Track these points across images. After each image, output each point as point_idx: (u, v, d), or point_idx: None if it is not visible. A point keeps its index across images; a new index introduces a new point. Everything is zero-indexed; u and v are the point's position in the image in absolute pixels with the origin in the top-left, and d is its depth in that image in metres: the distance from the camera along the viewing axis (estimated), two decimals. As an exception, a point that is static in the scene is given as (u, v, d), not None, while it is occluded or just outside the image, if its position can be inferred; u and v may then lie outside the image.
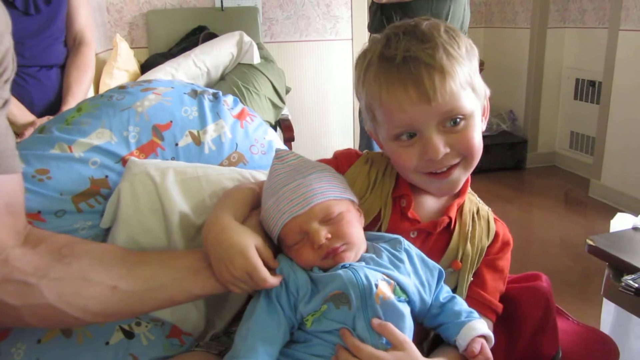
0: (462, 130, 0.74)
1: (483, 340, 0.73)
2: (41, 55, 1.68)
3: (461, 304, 0.77)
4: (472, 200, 0.87)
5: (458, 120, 0.74)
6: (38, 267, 0.69)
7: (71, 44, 1.80)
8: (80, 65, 1.78)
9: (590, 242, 1.29)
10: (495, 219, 0.87)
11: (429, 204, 0.85)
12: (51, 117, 1.00)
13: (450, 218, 0.82)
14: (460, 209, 0.84)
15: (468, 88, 0.74)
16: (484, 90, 0.79)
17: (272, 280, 0.71)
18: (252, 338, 0.69)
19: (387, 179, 0.85)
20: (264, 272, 0.71)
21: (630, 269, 1.14)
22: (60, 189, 0.86)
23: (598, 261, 2.26)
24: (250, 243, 0.72)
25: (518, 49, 3.85)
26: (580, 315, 1.88)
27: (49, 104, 1.71)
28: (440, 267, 0.78)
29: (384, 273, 0.72)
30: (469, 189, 0.87)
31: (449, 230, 0.83)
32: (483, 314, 0.80)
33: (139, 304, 0.74)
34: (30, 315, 0.69)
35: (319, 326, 0.70)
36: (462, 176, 0.79)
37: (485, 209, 0.87)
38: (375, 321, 0.69)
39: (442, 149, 0.73)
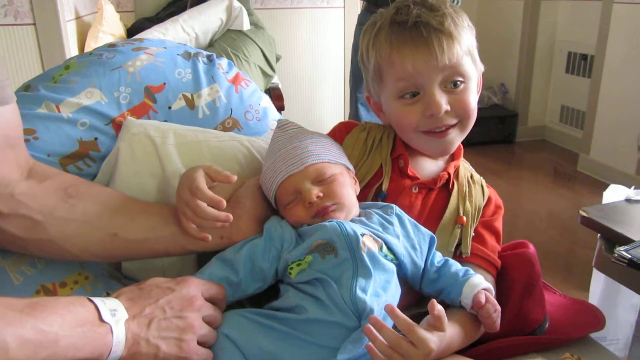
0: (461, 92, 0.82)
1: (486, 292, 0.74)
2: None
3: (456, 265, 0.79)
4: (465, 167, 0.92)
5: (459, 82, 0.81)
6: (44, 204, 0.71)
7: None
8: None
9: (583, 213, 1.29)
10: (487, 185, 0.93)
11: (426, 164, 0.89)
12: None
13: (449, 174, 0.87)
14: (457, 172, 0.89)
15: (469, 56, 0.82)
16: (480, 65, 0.86)
17: (207, 193, 0.70)
18: (242, 256, 0.73)
19: (384, 143, 0.89)
20: (202, 183, 0.71)
21: (623, 240, 1.14)
22: (47, 150, 0.83)
23: (585, 234, 2.29)
24: (200, 167, 0.75)
25: (511, 20, 3.81)
26: (565, 286, 1.91)
27: None
28: (432, 234, 0.80)
29: (371, 231, 0.74)
30: (462, 158, 0.92)
31: (447, 189, 0.87)
32: (485, 268, 0.84)
33: (136, 251, 0.77)
34: (35, 247, 0.73)
35: (303, 277, 0.71)
36: (457, 138, 0.86)
37: (477, 176, 0.93)
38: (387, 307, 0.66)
39: (444, 105, 0.80)
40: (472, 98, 0.83)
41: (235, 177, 0.73)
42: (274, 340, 0.67)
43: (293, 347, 0.66)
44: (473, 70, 0.83)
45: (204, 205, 0.71)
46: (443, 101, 0.80)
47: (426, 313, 0.71)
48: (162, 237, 0.76)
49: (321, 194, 0.75)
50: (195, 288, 0.67)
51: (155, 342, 0.60)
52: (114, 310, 0.58)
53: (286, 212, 0.78)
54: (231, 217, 0.72)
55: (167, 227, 0.76)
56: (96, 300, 0.58)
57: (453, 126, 0.83)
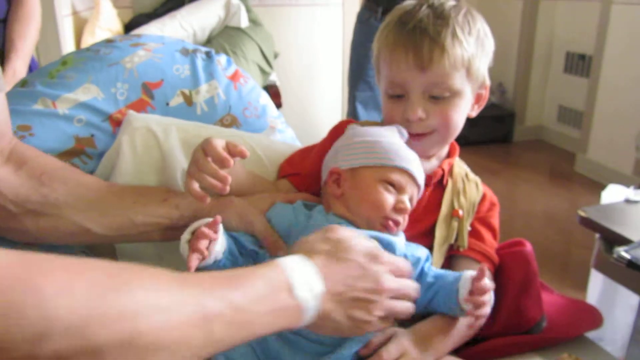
0: (444, 104, 0.81)
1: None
2: None
3: (452, 273, 0.76)
4: (461, 167, 0.92)
5: (442, 96, 0.80)
6: (17, 194, 0.71)
7: None
8: (23, 16, 1.51)
9: (582, 214, 1.29)
10: (482, 184, 0.93)
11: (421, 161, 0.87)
12: None
13: (443, 171, 0.87)
14: (451, 170, 0.89)
15: (462, 70, 0.80)
16: (483, 79, 0.85)
17: (218, 149, 0.69)
18: None
19: None
20: (217, 141, 0.70)
21: (622, 241, 1.14)
22: (43, 147, 0.82)
23: (581, 234, 2.29)
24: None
25: (510, 20, 3.81)
26: (561, 286, 1.91)
27: None
28: (427, 250, 0.78)
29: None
30: (458, 158, 0.92)
31: (442, 186, 0.88)
32: (482, 263, 0.84)
33: (113, 241, 0.79)
34: (14, 234, 0.74)
35: None
36: (435, 145, 0.86)
37: (473, 175, 0.93)
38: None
39: (420, 112, 0.80)
40: (456, 113, 0.81)
41: (248, 153, 0.72)
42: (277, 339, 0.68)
43: (292, 347, 0.67)
44: (465, 85, 0.81)
45: (209, 160, 0.70)
46: (420, 108, 0.80)
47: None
48: (134, 234, 0.76)
49: (408, 208, 0.75)
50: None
51: (344, 314, 0.60)
52: (308, 284, 0.57)
53: (365, 191, 0.75)
54: (230, 178, 0.69)
55: (139, 219, 0.77)
56: (289, 271, 0.57)
57: (428, 134, 0.82)
